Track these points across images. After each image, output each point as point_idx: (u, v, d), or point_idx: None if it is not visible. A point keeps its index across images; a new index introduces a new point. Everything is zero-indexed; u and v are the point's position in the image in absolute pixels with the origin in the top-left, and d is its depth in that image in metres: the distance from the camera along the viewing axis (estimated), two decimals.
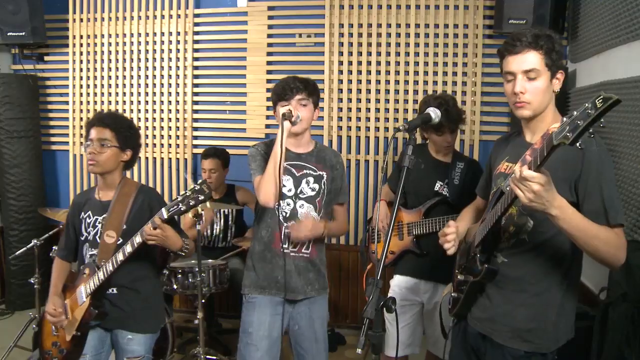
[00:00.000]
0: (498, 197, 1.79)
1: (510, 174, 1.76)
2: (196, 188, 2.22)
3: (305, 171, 2.50)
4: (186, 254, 2.49)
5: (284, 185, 2.44)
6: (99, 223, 2.46)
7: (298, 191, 2.48)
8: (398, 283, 2.95)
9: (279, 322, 2.49)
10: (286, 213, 2.46)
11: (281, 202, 2.42)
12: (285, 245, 2.46)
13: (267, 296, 2.48)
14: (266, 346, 2.46)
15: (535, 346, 1.82)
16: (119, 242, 2.40)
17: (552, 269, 1.82)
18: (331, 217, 2.65)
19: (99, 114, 2.59)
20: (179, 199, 2.24)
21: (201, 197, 2.21)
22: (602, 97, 1.26)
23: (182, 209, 2.23)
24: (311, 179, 2.51)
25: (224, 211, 4.09)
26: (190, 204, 2.22)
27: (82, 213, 2.52)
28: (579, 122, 1.30)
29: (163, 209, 2.26)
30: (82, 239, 2.50)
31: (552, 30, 1.88)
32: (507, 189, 1.67)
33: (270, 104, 4.50)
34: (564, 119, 1.36)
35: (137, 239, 2.29)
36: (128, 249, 2.30)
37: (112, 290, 2.43)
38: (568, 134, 1.32)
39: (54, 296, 2.50)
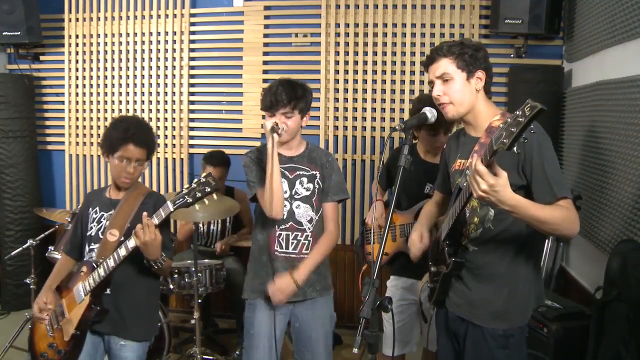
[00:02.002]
0: (457, 194, 1.92)
1: (464, 170, 1.95)
2: (202, 180, 2.21)
3: (298, 172, 2.52)
4: (158, 268, 2.35)
5: None
6: (104, 219, 2.46)
7: (293, 192, 2.50)
8: (395, 284, 2.96)
9: (281, 322, 2.51)
10: (283, 215, 2.47)
11: None
12: (280, 249, 2.48)
13: (265, 300, 2.50)
14: (268, 346, 2.48)
15: (512, 323, 1.94)
16: (121, 240, 2.38)
17: (519, 249, 1.94)
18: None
19: (133, 128, 2.41)
20: (184, 192, 2.22)
21: (208, 189, 2.20)
22: (529, 105, 1.39)
23: (188, 202, 2.21)
24: (305, 179, 2.53)
25: None
26: (197, 195, 2.20)
27: (90, 209, 2.52)
28: (512, 129, 1.43)
29: (169, 202, 2.25)
30: (87, 235, 2.49)
31: (469, 40, 2.07)
32: (464, 184, 1.81)
33: None
34: (508, 118, 1.45)
35: (131, 243, 2.27)
36: (131, 244, 2.27)
37: (107, 291, 2.39)
38: (504, 140, 1.45)
39: (49, 291, 2.47)
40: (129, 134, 2.39)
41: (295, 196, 2.50)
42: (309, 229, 2.52)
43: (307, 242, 2.52)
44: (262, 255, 2.52)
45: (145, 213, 2.25)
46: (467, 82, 1.95)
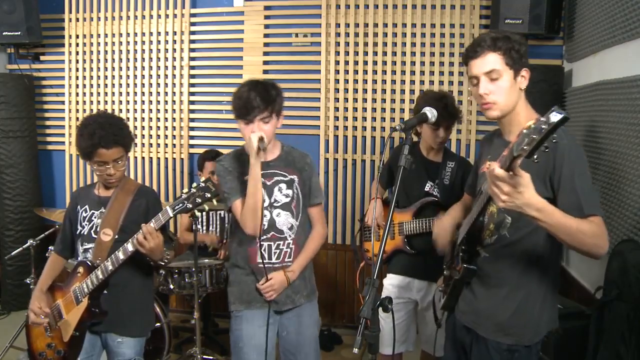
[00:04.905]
0: (479, 197, 1.84)
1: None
2: (201, 185, 2.19)
3: (276, 178, 2.45)
4: (165, 263, 2.45)
5: None
6: (95, 217, 2.44)
7: (272, 200, 2.43)
8: (392, 282, 2.96)
9: (270, 333, 2.45)
10: (264, 225, 2.39)
11: None
12: (262, 260, 2.39)
13: (253, 310, 2.45)
14: (258, 358, 2.43)
15: (517, 339, 1.86)
16: (115, 238, 2.38)
17: (533, 262, 1.86)
18: (309, 220, 2.58)
19: (98, 132, 2.29)
20: (183, 197, 2.21)
21: (208, 195, 2.19)
22: (553, 112, 1.30)
23: (188, 207, 2.20)
24: (283, 186, 2.46)
25: (220, 213, 4.08)
26: (197, 201, 2.19)
27: (79, 207, 2.50)
28: (534, 136, 1.33)
29: (168, 207, 2.23)
30: (77, 233, 2.47)
31: (512, 32, 1.91)
32: (485, 188, 1.71)
33: None
34: (541, 118, 1.36)
35: (129, 247, 2.27)
36: (130, 247, 2.27)
37: (104, 291, 2.39)
38: (525, 147, 1.35)
39: (40, 293, 2.45)
40: (95, 140, 2.29)
41: (275, 204, 2.44)
42: (290, 236, 2.45)
43: (289, 249, 2.46)
44: (246, 266, 2.46)
45: (143, 224, 2.23)
46: (514, 80, 1.83)
